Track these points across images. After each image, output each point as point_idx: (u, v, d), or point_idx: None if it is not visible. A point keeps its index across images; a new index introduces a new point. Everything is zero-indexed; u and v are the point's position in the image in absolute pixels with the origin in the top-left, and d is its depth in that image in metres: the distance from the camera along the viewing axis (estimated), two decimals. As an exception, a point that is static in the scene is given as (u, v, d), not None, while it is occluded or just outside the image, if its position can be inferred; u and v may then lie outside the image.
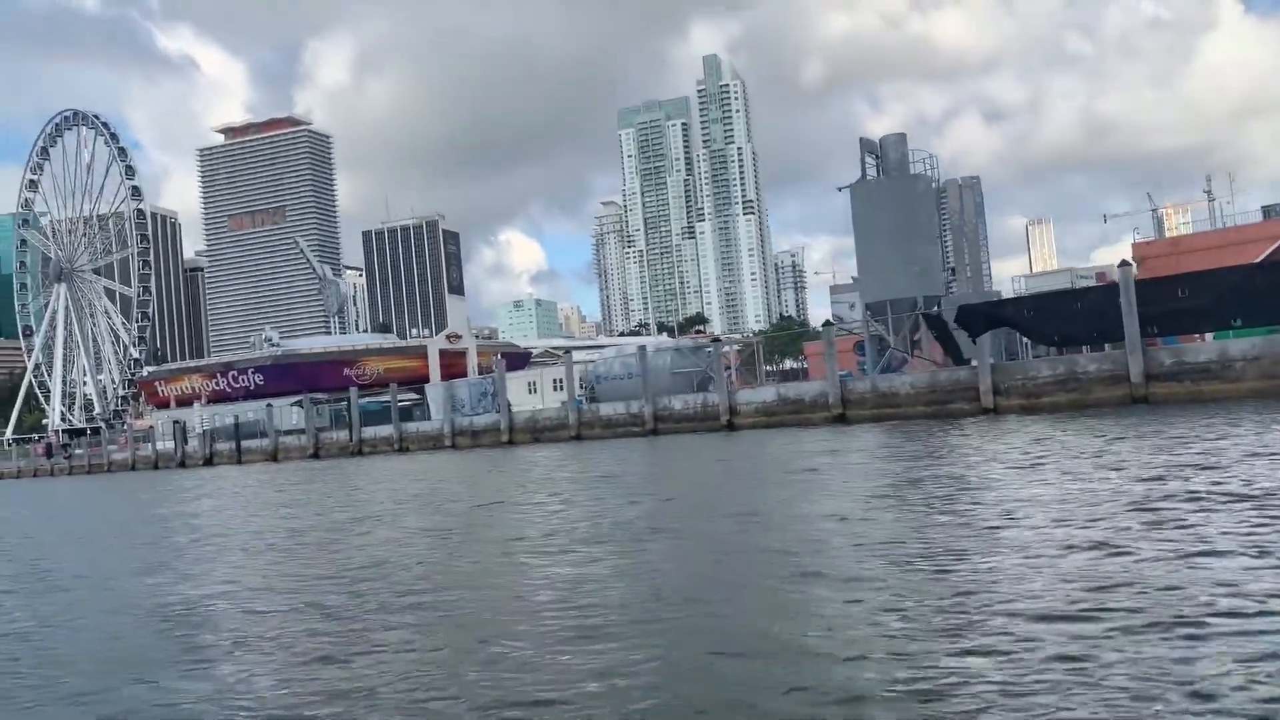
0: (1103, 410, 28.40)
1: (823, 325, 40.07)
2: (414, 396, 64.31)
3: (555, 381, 74.29)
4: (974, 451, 20.09)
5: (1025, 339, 40.75)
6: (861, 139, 48.97)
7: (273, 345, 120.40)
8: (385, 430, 55.61)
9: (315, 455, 59.12)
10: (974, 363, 34.35)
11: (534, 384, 66.82)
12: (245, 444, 65.84)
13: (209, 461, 67.95)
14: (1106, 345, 30.94)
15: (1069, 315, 31.28)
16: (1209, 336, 32.55)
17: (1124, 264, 28.44)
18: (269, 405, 65.44)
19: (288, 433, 65.28)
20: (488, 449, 47.56)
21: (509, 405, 49.80)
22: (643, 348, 46.95)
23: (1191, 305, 28.94)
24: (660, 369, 51.78)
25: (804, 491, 16.25)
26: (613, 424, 43.69)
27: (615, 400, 46.63)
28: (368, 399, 69.58)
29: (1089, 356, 30.79)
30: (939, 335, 36.11)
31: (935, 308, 44.93)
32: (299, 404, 64.10)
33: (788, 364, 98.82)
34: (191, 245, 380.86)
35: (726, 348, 59.21)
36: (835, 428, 34.54)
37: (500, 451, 43.49)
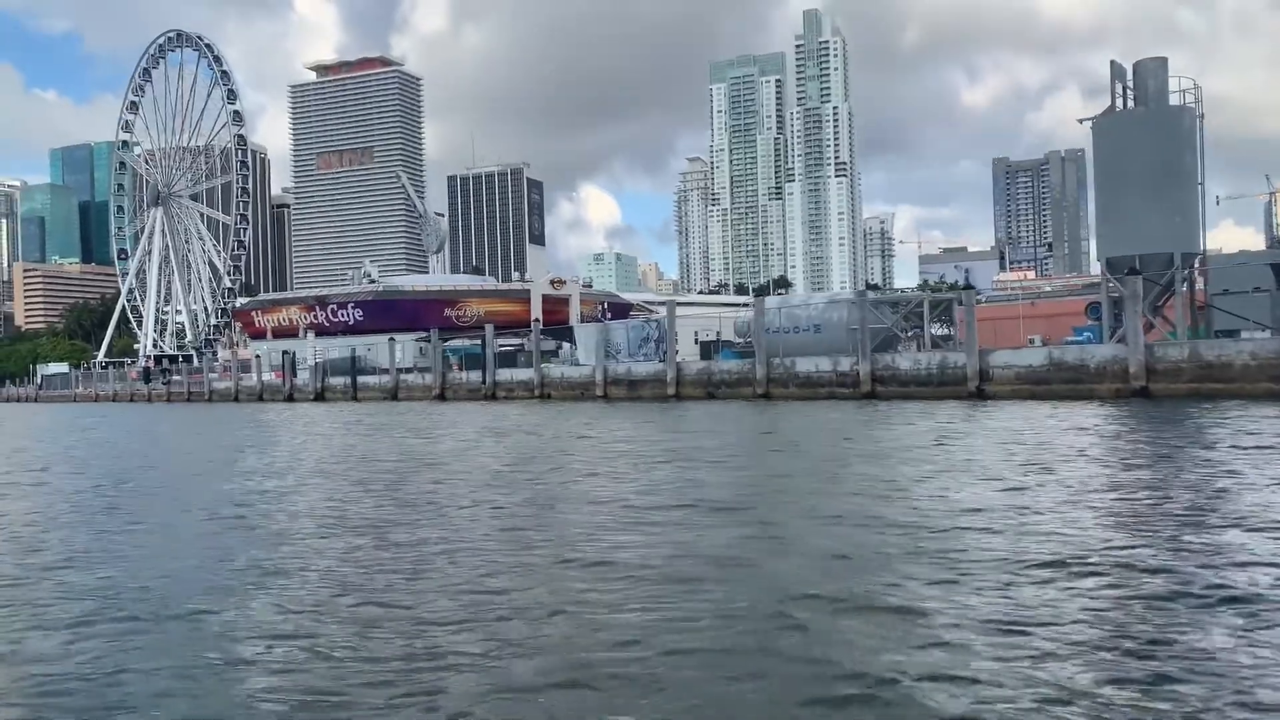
0: None
1: (1127, 273, 32.95)
2: (515, 342, 58.79)
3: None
4: None
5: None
6: (1112, 62, 41.51)
7: (371, 281, 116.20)
8: (524, 374, 49.91)
9: (441, 397, 53.83)
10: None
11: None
12: (361, 379, 60.82)
13: (320, 396, 63.18)
14: None
15: None
16: None
17: None
18: (391, 339, 60.20)
19: (406, 370, 60.06)
20: (649, 403, 41.46)
21: (677, 354, 43.58)
22: (862, 291, 40.28)
23: None
24: (835, 323, 45.32)
25: None
26: (812, 383, 37.21)
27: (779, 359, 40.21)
28: (466, 340, 63.89)
29: None
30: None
31: (1190, 267, 37.76)
32: (425, 339, 58.65)
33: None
34: (278, 183, 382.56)
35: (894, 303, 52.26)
36: (1138, 403, 27.57)
37: (675, 408, 37.18)
